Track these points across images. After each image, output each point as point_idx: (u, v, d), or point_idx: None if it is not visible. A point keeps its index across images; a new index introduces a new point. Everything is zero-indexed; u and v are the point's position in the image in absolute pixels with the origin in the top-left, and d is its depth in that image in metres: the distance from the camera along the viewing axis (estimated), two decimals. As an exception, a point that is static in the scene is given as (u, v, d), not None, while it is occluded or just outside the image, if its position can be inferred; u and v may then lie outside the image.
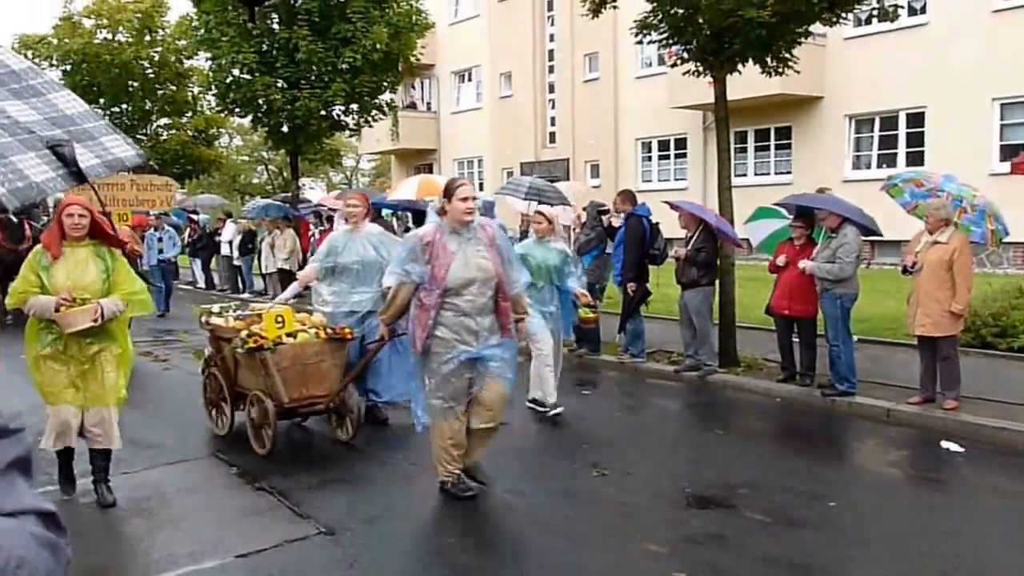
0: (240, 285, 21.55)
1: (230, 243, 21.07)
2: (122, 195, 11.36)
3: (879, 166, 21.20)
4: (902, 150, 21.03)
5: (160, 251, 17.89)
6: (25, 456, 1.24)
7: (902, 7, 11.29)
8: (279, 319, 6.98)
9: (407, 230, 14.80)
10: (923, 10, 19.59)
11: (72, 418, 5.65)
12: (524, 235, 12.25)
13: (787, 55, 10.29)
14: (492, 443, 6.20)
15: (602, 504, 5.98)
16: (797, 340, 9.29)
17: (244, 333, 6.92)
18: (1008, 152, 18.33)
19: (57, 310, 5.41)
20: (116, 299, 5.55)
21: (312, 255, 18.54)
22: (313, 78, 19.41)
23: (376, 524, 5.54)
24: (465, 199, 5.62)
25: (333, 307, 7.72)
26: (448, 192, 5.70)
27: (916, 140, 20.64)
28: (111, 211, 10.89)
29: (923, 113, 20.41)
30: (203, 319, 7.76)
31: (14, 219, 12.48)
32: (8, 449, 1.20)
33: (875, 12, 10.64)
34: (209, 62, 21.44)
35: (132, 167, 2.19)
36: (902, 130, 21.04)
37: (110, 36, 30.19)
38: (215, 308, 7.95)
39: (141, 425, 7.85)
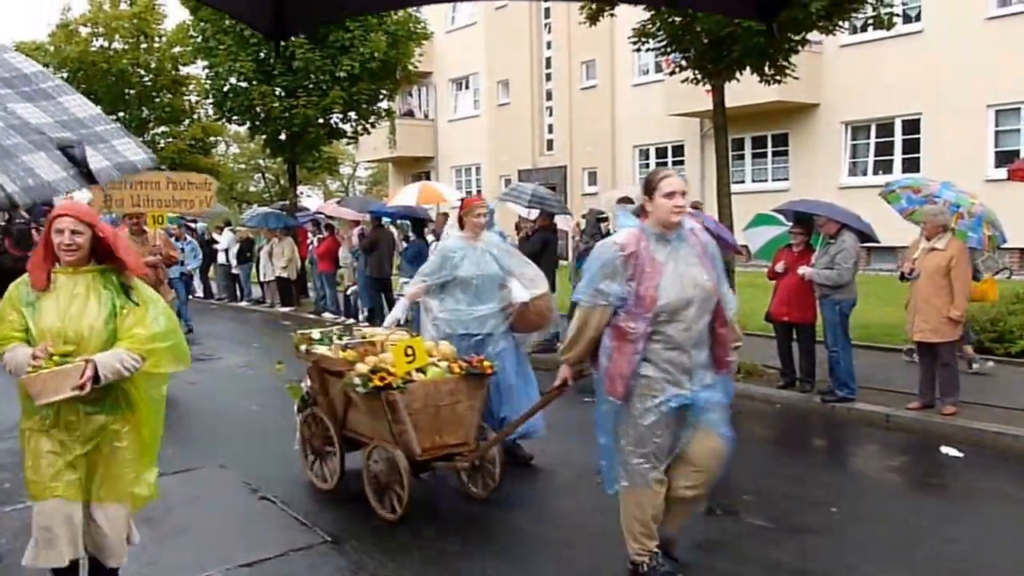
0: (238, 293, 21.55)
1: (226, 251, 21.06)
2: (157, 194, 10.12)
3: (875, 173, 21.26)
4: (898, 157, 21.10)
5: (181, 263, 16.75)
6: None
7: (897, 15, 11.35)
8: (409, 351, 5.67)
9: (406, 239, 14.79)
10: (918, 17, 19.67)
11: (64, 522, 3.90)
12: (523, 243, 12.26)
13: (784, 63, 10.35)
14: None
15: (604, 511, 5.98)
16: (796, 346, 9.31)
17: (365, 367, 5.67)
18: (1003, 158, 18.41)
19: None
20: (122, 351, 3.79)
21: (310, 262, 18.76)
22: (311, 86, 19.45)
23: (381, 532, 5.55)
24: (671, 194, 4.35)
25: (448, 328, 6.58)
26: (649, 187, 4.44)
27: (912, 147, 20.71)
28: (144, 212, 10.30)
29: (919, 120, 20.49)
30: (303, 348, 6.44)
31: (22, 222, 12.04)
32: None
33: (871, 20, 10.70)
34: (206, 70, 21.48)
35: (143, 170, 2.22)
36: (898, 137, 21.11)
37: (106, 44, 30.18)
38: (315, 334, 6.64)
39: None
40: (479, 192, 31.77)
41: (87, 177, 1.79)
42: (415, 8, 21.38)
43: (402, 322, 7.06)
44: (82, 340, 3.80)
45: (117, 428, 3.98)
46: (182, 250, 16.68)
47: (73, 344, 3.78)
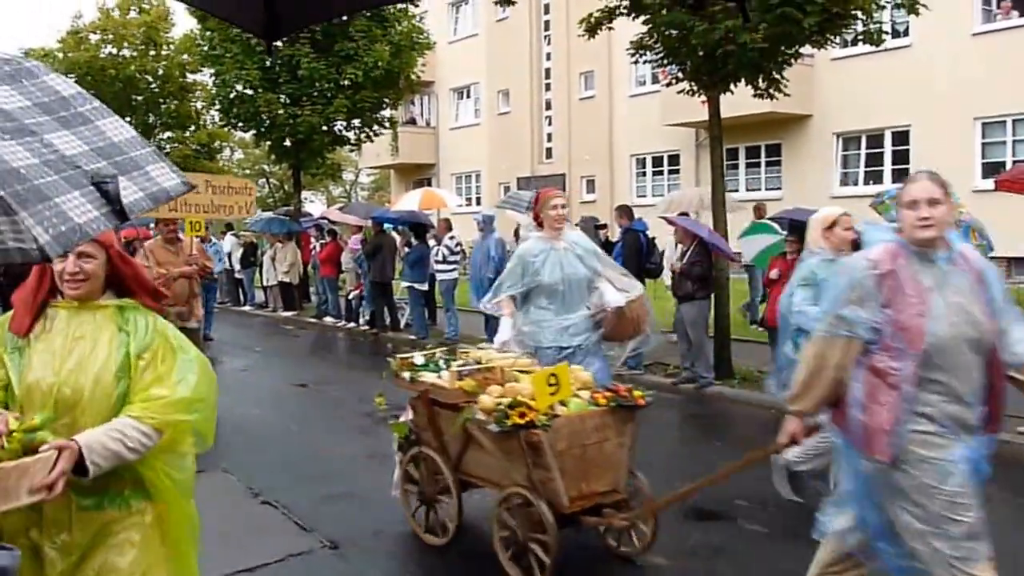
0: (241, 298, 21.48)
1: (229, 255, 20.97)
2: (195, 198, 9.28)
3: (866, 182, 21.25)
4: (888, 167, 21.09)
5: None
6: (8, 569, 1.21)
7: (887, 31, 11.32)
8: (552, 380, 4.49)
9: (408, 244, 14.73)
10: (906, 33, 19.66)
11: None
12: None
13: (778, 77, 10.32)
14: None
15: (603, 516, 5.92)
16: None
17: (491, 398, 4.61)
18: (989, 169, 18.42)
19: None
20: (128, 422, 2.57)
21: (313, 267, 18.67)
22: (315, 94, 19.42)
23: (381, 538, 5.49)
24: (914, 204, 3.27)
25: (532, 341, 5.67)
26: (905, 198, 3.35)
27: (901, 157, 20.70)
28: (179, 219, 9.24)
29: (908, 131, 20.49)
30: (406, 375, 5.29)
31: None
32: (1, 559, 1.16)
33: (861, 35, 10.67)
34: (213, 78, 21.45)
35: (176, 196, 2.15)
36: (888, 148, 21.11)
37: (115, 51, 30.15)
38: (418, 358, 5.46)
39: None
40: (479, 199, 31.78)
41: (119, 215, 1.73)
42: (418, 19, 21.43)
43: (507, 344, 5.66)
44: (81, 401, 2.61)
45: (127, 528, 2.70)
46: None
47: (69, 408, 2.61)
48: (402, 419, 5.50)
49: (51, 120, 1.88)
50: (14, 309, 2.74)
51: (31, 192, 1.60)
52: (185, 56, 29.29)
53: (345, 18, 19.19)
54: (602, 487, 4.67)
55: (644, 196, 26.57)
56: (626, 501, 4.80)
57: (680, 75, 10.72)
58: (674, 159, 26.09)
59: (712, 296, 10.07)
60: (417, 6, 21.06)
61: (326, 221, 19.31)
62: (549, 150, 30.41)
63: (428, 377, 5.11)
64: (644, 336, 6.06)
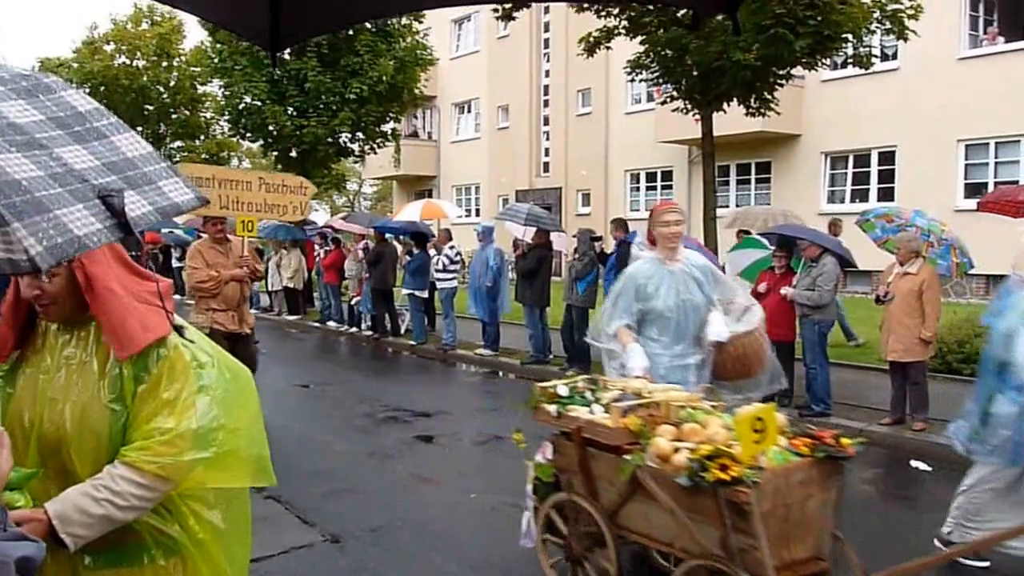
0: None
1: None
2: (248, 196, 8.29)
3: (852, 200, 21.36)
4: (874, 186, 21.20)
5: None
6: (33, 559, 1.28)
7: (876, 55, 11.45)
8: (759, 425, 3.50)
9: (410, 253, 14.81)
10: (894, 56, 19.79)
11: None
12: (520, 260, 12.27)
13: (769, 97, 10.45)
14: None
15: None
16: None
17: (666, 442, 3.70)
18: (971, 190, 18.54)
19: None
20: (119, 471, 1.95)
21: (317, 273, 18.73)
22: (321, 107, 19.52)
23: (381, 533, 5.54)
24: None
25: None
26: None
27: (887, 177, 20.82)
28: (225, 219, 8.16)
29: (894, 152, 20.61)
30: (550, 408, 4.23)
31: None
32: (19, 549, 1.24)
33: (850, 58, 10.81)
34: (222, 89, 21.55)
35: (188, 211, 2.13)
36: (874, 167, 21.23)
37: (128, 61, 30.24)
38: (562, 389, 4.32)
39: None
40: (478, 211, 31.86)
41: (123, 228, 1.72)
42: (422, 35, 21.56)
43: (640, 372, 4.56)
44: (65, 440, 2.00)
45: None
46: None
47: (54, 450, 2.01)
48: (539, 458, 4.55)
49: (64, 134, 1.85)
50: None
51: (29, 204, 1.57)
52: (196, 68, 29.41)
53: (350, 32, 19.35)
54: (803, 553, 3.79)
55: (638, 210, 26.64)
56: (829, 571, 3.94)
57: (675, 93, 10.84)
58: (667, 175, 26.20)
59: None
60: (421, 22, 21.22)
61: (330, 230, 19.38)
62: (546, 164, 30.52)
63: (579, 412, 4.08)
64: (755, 379, 4.96)
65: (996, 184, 18.02)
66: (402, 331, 15.46)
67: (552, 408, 4.20)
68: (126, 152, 1.92)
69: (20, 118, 1.79)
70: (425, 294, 14.55)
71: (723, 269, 10.90)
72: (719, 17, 8.87)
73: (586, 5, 10.78)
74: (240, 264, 7.77)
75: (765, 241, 9.93)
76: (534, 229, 12.30)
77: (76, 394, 2.02)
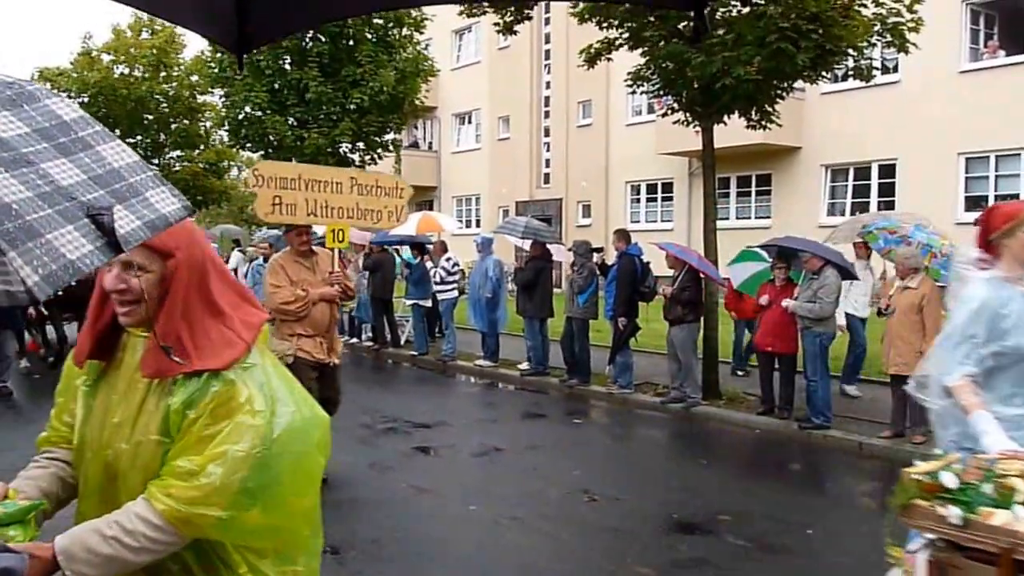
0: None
1: (235, 271, 20.99)
2: (338, 200, 7.00)
3: (853, 213, 21.37)
4: (874, 199, 21.26)
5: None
6: (14, 570, 1.29)
7: (876, 68, 11.51)
8: None
9: (408, 265, 14.85)
10: (895, 69, 19.88)
11: None
12: (519, 272, 12.30)
13: (770, 109, 10.49)
14: None
15: (593, 528, 6.02)
16: (777, 375, 9.36)
17: None
18: (972, 203, 18.61)
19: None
20: (136, 510, 1.74)
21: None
22: (322, 117, 19.57)
23: (380, 544, 5.56)
24: None
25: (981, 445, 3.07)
26: None
27: (887, 190, 20.88)
28: (311, 227, 6.87)
29: (894, 165, 20.68)
30: (946, 512, 2.60)
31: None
32: (3, 561, 1.25)
33: (852, 71, 10.87)
34: (222, 99, 21.61)
35: (175, 222, 2.06)
36: (874, 180, 21.29)
37: (127, 71, 30.32)
38: (947, 477, 2.69)
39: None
40: (478, 222, 31.91)
41: (114, 247, 1.68)
42: (423, 46, 21.65)
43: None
44: (120, 471, 1.87)
45: None
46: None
47: (111, 478, 1.88)
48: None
49: (50, 147, 1.80)
50: (79, 340, 2.00)
51: (22, 230, 1.53)
52: (195, 77, 29.46)
53: (351, 43, 19.42)
54: None
55: (638, 221, 26.72)
56: None
57: (675, 106, 10.89)
58: (668, 187, 26.27)
59: (701, 319, 10.20)
60: (422, 32, 21.28)
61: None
62: (547, 175, 30.59)
63: (1002, 519, 2.52)
64: None
65: (997, 197, 18.10)
66: (402, 342, 15.48)
67: (949, 512, 2.61)
68: (112, 162, 1.89)
69: (5, 132, 1.76)
70: (429, 303, 14.57)
71: (727, 281, 10.99)
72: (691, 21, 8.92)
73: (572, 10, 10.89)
74: (330, 281, 6.58)
75: (764, 254, 9.98)
76: (532, 242, 12.35)
77: (134, 423, 1.84)
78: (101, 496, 1.88)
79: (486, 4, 10.65)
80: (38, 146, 1.82)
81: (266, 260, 12.77)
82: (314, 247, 6.77)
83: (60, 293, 11.02)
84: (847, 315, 10.05)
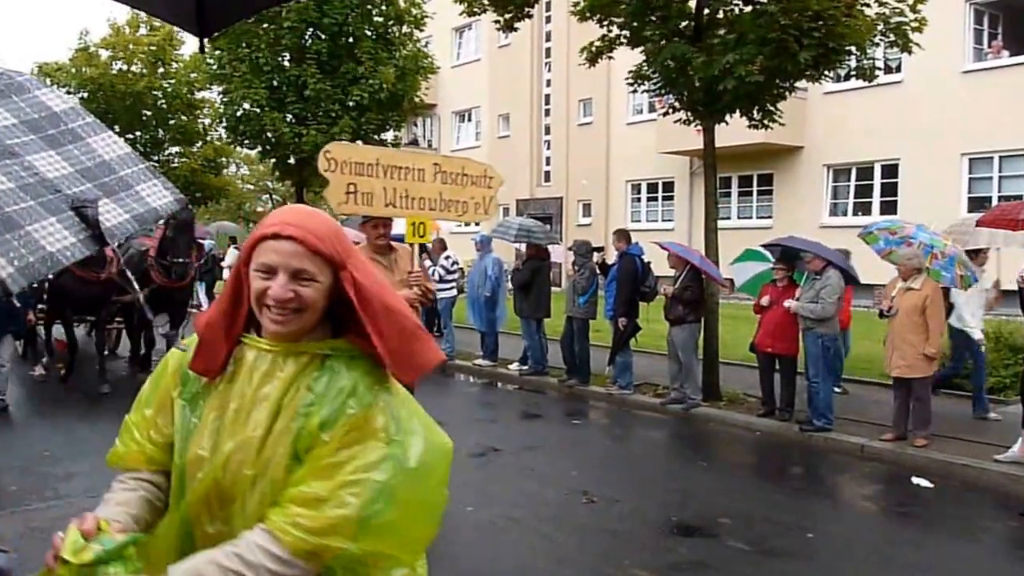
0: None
1: (231, 268, 20.95)
2: (420, 189, 6.23)
3: (855, 213, 21.41)
4: (876, 199, 21.26)
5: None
6: (2, 569, 1.27)
7: (880, 68, 11.49)
8: None
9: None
10: (898, 69, 19.88)
11: None
12: (515, 272, 12.28)
13: (772, 109, 10.48)
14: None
15: (591, 530, 6.00)
16: (778, 376, 9.34)
17: None
18: (975, 204, 18.60)
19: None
20: (256, 541, 1.58)
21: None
22: (321, 114, 19.55)
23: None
24: None
25: None
26: None
27: (890, 190, 20.88)
28: (391, 220, 6.15)
29: (897, 165, 20.67)
30: None
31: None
32: None
33: (854, 71, 10.84)
34: (220, 95, 21.58)
35: (167, 215, 2.02)
36: (877, 180, 21.29)
37: (125, 67, 30.28)
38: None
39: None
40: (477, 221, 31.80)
41: (98, 240, 1.63)
42: (423, 43, 21.62)
43: None
44: (238, 498, 1.71)
45: None
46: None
47: (226, 503, 1.72)
48: None
49: (37, 139, 1.78)
50: (199, 338, 1.78)
51: (0, 221, 1.49)
52: (193, 74, 29.44)
53: (351, 39, 19.38)
54: None
55: (639, 221, 26.72)
56: None
57: (677, 105, 10.87)
58: (668, 186, 26.26)
59: (702, 320, 10.18)
60: (422, 30, 21.25)
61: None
62: (547, 174, 30.58)
63: None
64: None
65: (1000, 198, 18.08)
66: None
67: None
68: (103, 155, 1.85)
69: None
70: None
71: (731, 282, 10.96)
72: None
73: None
74: (408, 283, 5.70)
75: (768, 254, 9.95)
76: (525, 243, 12.33)
77: (260, 446, 1.67)
78: (208, 521, 1.71)
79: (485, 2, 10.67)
80: (25, 138, 1.78)
81: None
82: (392, 243, 5.99)
83: (146, 291, 10.45)
84: (964, 331, 9.44)
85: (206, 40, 2.44)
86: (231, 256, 21.06)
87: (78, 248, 1.65)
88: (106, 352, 11.35)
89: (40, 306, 10.75)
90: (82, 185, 1.79)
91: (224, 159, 34.49)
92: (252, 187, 54.56)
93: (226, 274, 21.11)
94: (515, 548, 5.61)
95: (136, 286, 10.38)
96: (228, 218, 49.49)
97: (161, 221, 11.78)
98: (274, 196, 53.64)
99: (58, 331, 11.36)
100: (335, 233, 1.70)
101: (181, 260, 10.54)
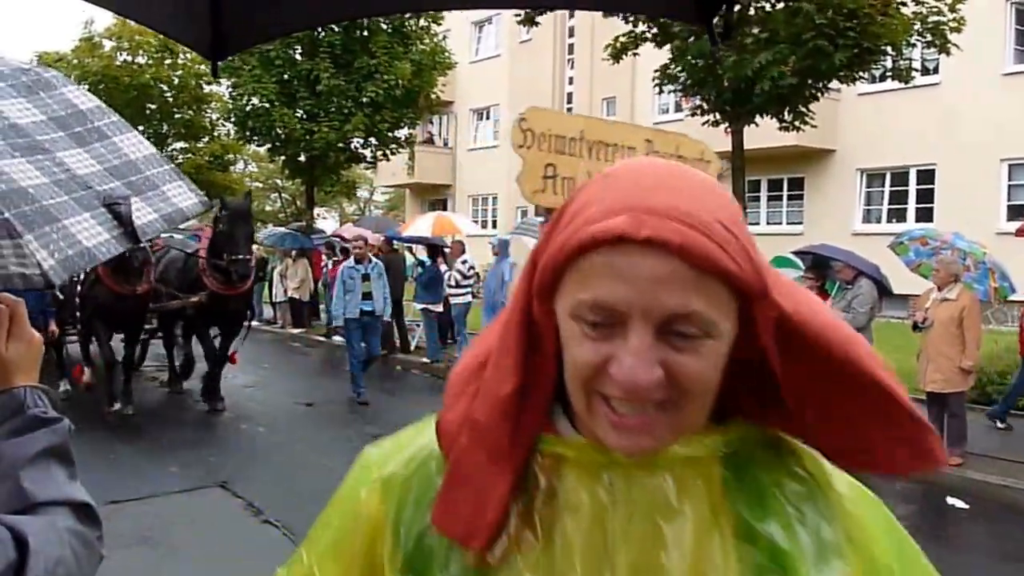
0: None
1: (282, 274, 20.94)
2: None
3: (889, 220, 21.29)
4: (912, 205, 21.13)
5: (368, 296, 11.22)
6: (62, 445, 1.28)
7: (917, 69, 11.44)
8: None
9: (420, 264, 14.85)
10: (936, 71, 19.78)
11: None
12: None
13: (804, 110, 10.45)
14: None
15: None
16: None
17: None
18: (1014, 212, 18.46)
19: None
20: None
21: (323, 285, 18.62)
22: (333, 110, 19.60)
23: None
24: None
25: None
26: None
27: (926, 196, 20.75)
28: None
29: (933, 170, 20.54)
30: None
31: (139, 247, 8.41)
32: (44, 438, 1.24)
33: (890, 72, 10.81)
34: (229, 89, 21.68)
35: (192, 216, 2.07)
36: (912, 186, 21.16)
37: (130, 58, 30.46)
38: None
39: (145, 452, 7.88)
40: (495, 222, 31.88)
41: (131, 237, 1.70)
42: (441, 38, 21.66)
43: None
44: None
45: None
46: (364, 274, 11.25)
47: None
48: None
49: (65, 136, 1.82)
50: (443, 449, 0.99)
51: (38, 213, 1.55)
52: (201, 67, 29.62)
53: (366, 33, 19.45)
54: None
55: (662, 225, 26.63)
56: None
57: (704, 105, 10.86)
58: (694, 189, 26.20)
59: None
60: (440, 24, 21.28)
61: (338, 239, 19.44)
62: (567, 175, 30.56)
63: None
64: None
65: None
66: (412, 347, 15.46)
67: None
68: (129, 155, 1.91)
69: (21, 118, 1.78)
70: (440, 308, 14.52)
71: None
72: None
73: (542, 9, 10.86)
74: None
75: (799, 261, 9.91)
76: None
77: None
78: None
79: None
80: (54, 134, 1.84)
81: (358, 262, 11.36)
82: None
83: (203, 295, 9.59)
84: None
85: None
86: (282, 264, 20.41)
87: (113, 244, 1.72)
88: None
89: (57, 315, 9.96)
90: (112, 183, 1.86)
91: (232, 156, 34.65)
92: (260, 185, 54.86)
93: (277, 283, 20.30)
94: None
95: (177, 296, 9.79)
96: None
97: (208, 217, 11.12)
98: (283, 195, 53.91)
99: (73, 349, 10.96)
100: (739, 223, 0.85)
101: (240, 256, 9.40)
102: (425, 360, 14.33)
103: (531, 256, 0.90)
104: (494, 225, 31.72)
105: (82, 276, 9.23)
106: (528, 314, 0.91)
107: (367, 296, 11.13)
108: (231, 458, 8.23)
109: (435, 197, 35.42)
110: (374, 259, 11.93)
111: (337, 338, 17.45)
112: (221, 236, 9.47)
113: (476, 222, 29.30)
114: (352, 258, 11.55)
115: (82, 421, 9.04)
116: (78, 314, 9.76)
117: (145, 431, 8.66)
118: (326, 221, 48.94)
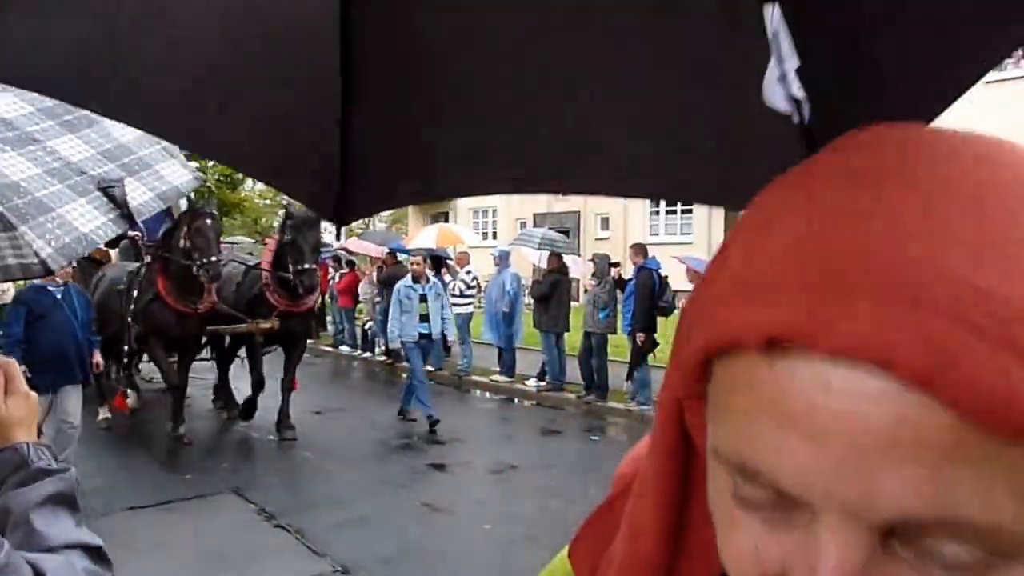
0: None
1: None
2: None
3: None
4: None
5: (425, 318, 10.41)
6: (69, 492, 1.27)
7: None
8: None
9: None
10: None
11: None
12: (535, 285, 12.29)
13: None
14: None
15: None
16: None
17: None
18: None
19: None
20: None
21: (330, 297, 18.62)
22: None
23: (392, 564, 5.53)
24: None
25: None
26: None
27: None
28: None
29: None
30: None
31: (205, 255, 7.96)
32: (51, 485, 1.24)
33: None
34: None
35: (187, 193, 2.07)
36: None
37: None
38: None
39: (158, 459, 7.86)
40: (495, 234, 31.95)
41: (127, 219, 1.68)
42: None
43: None
44: None
45: None
46: (423, 296, 10.39)
47: None
48: None
49: (55, 125, 1.83)
50: None
51: (31, 205, 1.53)
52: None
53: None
54: None
55: (657, 235, 26.67)
56: None
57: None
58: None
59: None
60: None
61: (344, 252, 19.43)
62: (565, 187, 30.60)
63: None
64: None
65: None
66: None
67: None
68: (119, 137, 1.89)
69: (9, 112, 1.77)
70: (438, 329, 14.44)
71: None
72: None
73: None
74: None
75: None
76: (548, 254, 12.33)
77: None
78: None
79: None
80: (43, 124, 1.83)
81: (416, 280, 10.36)
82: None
83: (275, 320, 8.62)
84: None
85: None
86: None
87: (109, 227, 1.70)
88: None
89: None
90: (105, 166, 1.84)
91: (241, 175, 34.73)
92: (269, 202, 54.90)
93: None
94: (533, 568, 5.55)
95: (240, 317, 8.90)
96: (243, 233, 49.73)
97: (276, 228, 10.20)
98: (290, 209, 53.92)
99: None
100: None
101: (307, 266, 8.55)
102: (429, 368, 14.30)
103: (682, 320, 0.48)
104: (494, 236, 31.77)
105: (135, 293, 8.34)
106: (681, 425, 0.51)
107: (424, 318, 10.27)
108: (243, 466, 8.22)
109: (437, 210, 35.45)
110: (432, 278, 10.98)
111: (344, 348, 17.46)
112: (289, 246, 8.64)
113: (477, 234, 29.34)
114: (409, 276, 10.51)
115: (105, 431, 9.04)
116: (127, 335, 8.55)
117: (160, 440, 8.63)
118: (330, 235, 48.84)
